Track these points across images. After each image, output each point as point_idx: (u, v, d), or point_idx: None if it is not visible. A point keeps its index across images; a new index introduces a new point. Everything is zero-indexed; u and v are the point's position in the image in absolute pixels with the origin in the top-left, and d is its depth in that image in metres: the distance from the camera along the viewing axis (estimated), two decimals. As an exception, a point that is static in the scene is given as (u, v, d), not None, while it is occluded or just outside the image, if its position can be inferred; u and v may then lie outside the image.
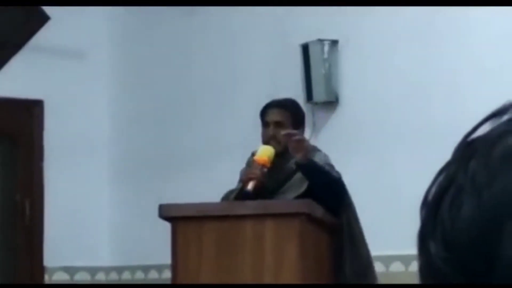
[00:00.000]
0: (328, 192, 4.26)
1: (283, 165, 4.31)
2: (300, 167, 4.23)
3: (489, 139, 0.49)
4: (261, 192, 4.22)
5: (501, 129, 0.49)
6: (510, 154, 0.48)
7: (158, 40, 6.37)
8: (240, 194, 4.29)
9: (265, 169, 4.12)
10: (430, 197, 0.51)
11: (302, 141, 4.22)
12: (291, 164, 4.31)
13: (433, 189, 0.51)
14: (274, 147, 4.12)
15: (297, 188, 4.34)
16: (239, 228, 4.24)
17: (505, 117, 0.50)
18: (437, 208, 0.50)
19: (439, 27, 5.12)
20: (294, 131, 4.23)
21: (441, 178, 0.51)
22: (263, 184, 4.17)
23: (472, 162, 0.48)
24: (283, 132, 4.26)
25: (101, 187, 6.38)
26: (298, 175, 4.32)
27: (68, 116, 6.29)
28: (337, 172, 4.27)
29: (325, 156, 4.35)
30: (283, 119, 4.22)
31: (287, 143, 4.26)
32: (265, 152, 4.09)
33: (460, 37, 5.10)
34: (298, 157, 4.24)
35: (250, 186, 4.12)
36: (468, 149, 0.50)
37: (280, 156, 4.15)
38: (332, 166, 4.27)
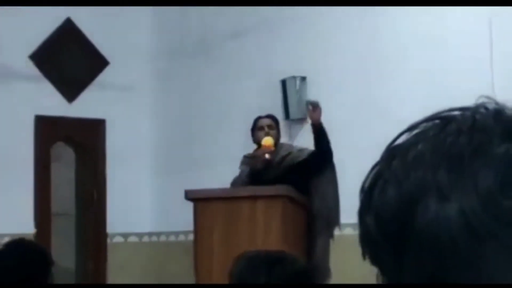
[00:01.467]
0: (324, 156, 4.97)
1: (277, 152, 5.08)
2: (315, 127, 4.97)
3: (405, 146, 0.60)
4: (268, 167, 5.00)
5: (413, 139, 0.60)
6: (420, 157, 0.59)
7: (184, 76, 7.52)
8: (255, 170, 5.06)
9: (272, 149, 4.96)
10: (366, 186, 0.61)
11: (319, 110, 4.92)
12: (282, 151, 5.14)
13: (368, 180, 0.62)
14: (263, 146, 4.97)
15: (293, 160, 5.08)
16: (239, 206, 4.97)
17: (415, 131, 0.61)
18: (371, 194, 0.60)
19: (374, 67, 5.92)
20: (316, 102, 4.92)
21: (373, 172, 0.62)
22: (272, 158, 4.97)
23: (394, 162, 0.59)
24: (309, 100, 5.20)
25: (145, 178, 7.66)
26: (289, 158, 5.08)
27: (123, 130, 7.53)
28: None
29: (297, 147, 5.24)
30: (272, 123, 5.15)
31: (309, 112, 5.03)
32: (268, 140, 4.96)
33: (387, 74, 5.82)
34: (314, 121, 4.94)
35: (267, 156, 4.95)
36: (391, 152, 0.61)
37: (274, 146, 5.00)
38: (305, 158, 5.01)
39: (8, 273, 2.73)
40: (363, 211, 0.61)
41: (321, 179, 5.06)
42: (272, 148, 4.99)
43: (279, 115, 5.83)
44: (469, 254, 0.55)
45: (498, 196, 0.55)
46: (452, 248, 0.56)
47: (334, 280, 4.91)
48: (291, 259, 2.39)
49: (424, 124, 0.60)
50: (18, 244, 3.08)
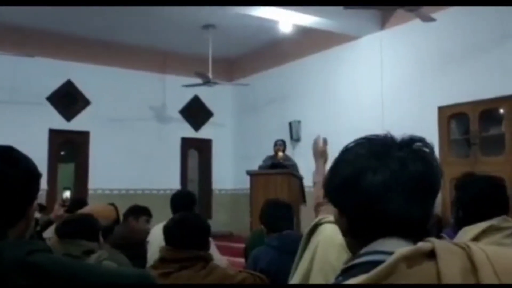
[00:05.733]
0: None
1: (284, 159, 7.63)
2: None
3: (352, 147, 0.89)
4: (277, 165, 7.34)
5: (355, 145, 0.89)
6: (361, 154, 0.86)
7: (246, 120, 10.44)
8: (273, 162, 7.35)
9: (280, 159, 7.42)
10: (333, 166, 0.89)
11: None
12: (285, 156, 7.63)
13: (333, 164, 0.90)
14: (279, 155, 7.76)
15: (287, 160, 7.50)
16: (269, 177, 6.97)
17: (356, 142, 0.88)
18: (337, 169, 0.90)
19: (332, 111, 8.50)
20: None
21: (336, 160, 0.90)
22: (279, 159, 7.48)
23: (348, 155, 0.87)
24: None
25: (229, 164, 10.79)
26: (287, 159, 7.52)
27: (219, 144, 10.80)
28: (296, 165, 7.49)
29: (292, 159, 7.79)
30: (282, 143, 7.90)
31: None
32: (279, 154, 7.65)
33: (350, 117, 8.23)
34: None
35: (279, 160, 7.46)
36: (345, 150, 0.90)
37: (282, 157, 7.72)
38: (295, 164, 7.62)
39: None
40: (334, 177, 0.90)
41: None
42: (280, 157, 7.58)
43: (287, 138, 8.98)
44: (384, 198, 0.82)
45: (398, 172, 0.82)
46: (375, 195, 0.82)
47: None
48: (288, 203, 3.43)
49: (359, 140, 0.90)
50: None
